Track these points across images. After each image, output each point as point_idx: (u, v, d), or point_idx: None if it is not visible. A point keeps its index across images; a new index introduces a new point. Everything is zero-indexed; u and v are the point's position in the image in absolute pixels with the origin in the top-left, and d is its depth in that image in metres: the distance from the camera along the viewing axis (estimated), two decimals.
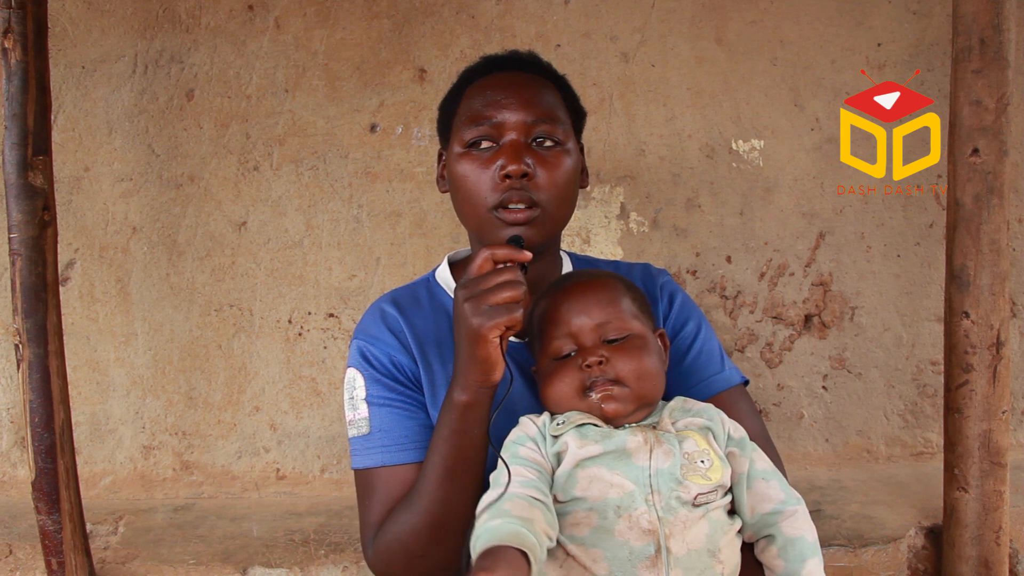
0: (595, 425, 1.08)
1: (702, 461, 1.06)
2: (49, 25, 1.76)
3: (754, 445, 1.13)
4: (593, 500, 1.02)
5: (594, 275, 1.19)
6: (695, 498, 1.02)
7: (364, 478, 1.20)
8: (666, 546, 0.99)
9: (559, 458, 1.07)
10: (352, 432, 1.22)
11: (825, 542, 1.91)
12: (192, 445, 2.30)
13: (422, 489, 1.12)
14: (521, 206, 1.17)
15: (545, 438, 1.09)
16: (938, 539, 1.97)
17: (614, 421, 1.09)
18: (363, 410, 1.21)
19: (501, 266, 1.06)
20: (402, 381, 1.22)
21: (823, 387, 2.41)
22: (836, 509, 2.09)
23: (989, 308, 1.81)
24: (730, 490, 1.09)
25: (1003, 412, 1.84)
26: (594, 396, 1.08)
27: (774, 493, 1.08)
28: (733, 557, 1.04)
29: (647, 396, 1.10)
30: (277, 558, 1.92)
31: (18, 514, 2.08)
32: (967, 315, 1.82)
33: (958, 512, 1.87)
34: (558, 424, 1.09)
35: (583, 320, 1.12)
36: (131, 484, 2.29)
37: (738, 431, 1.13)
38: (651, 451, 1.05)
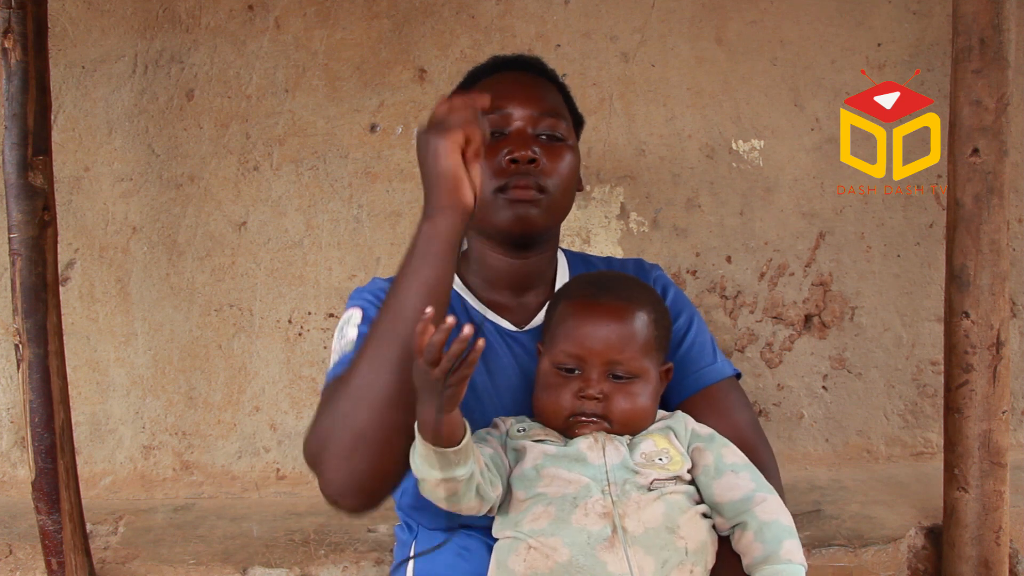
0: (552, 440, 1.10)
1: (660, 459, 1.08)
2: (49, 25, 1.76)
3: (725, 442, 1.13)
4: (552, 496, 1.04)
5: (630, 298, 1.15)
6: (651, 483, 1.05)
7: (328, 389, 1.11)
8: (621, 526, 1.01)
9: (517, 456, 1.09)
10: (334, 358, 1.16)
11: (825, 542, 1.92)
12: (192, 445, 2.30)
13: (367, 341, 1.04)
14: (529, 187, 1.18)
15: (508, 436, 1.12)
16: (938, 539, 1.97)
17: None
18: (352, 334, 1.17)
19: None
20: None
21: (823, 387, 2.41)
22: (836, 509, 2.08)
23: (989, 308, 1.81)
24: (692, 482, 1.10)
25: (1003, 412, 1.84)
26: (574, 425, 1.10)
27: (743, 483, 1.08)
28: (696, 534, 1.04)
29: (625, 432, 1.11)
30: (277, 558, 1.92)
31: (18, 514, 2.08)
32: (967, 315, 1.82)
33: (958, 512, 1.87)
34: (519, 431, 1.12)
35: (598, 347, 1.10)
36: (131, 484, 2.29)
37: (705, 430, 1.14)
38: (603, 449, 1.07)
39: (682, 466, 1.08)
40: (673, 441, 1.11)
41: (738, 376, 1.29)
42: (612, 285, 1.18)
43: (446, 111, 1.04)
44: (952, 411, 1.87)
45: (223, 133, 2.27)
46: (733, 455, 1.12)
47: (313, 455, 1.06)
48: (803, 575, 1.01)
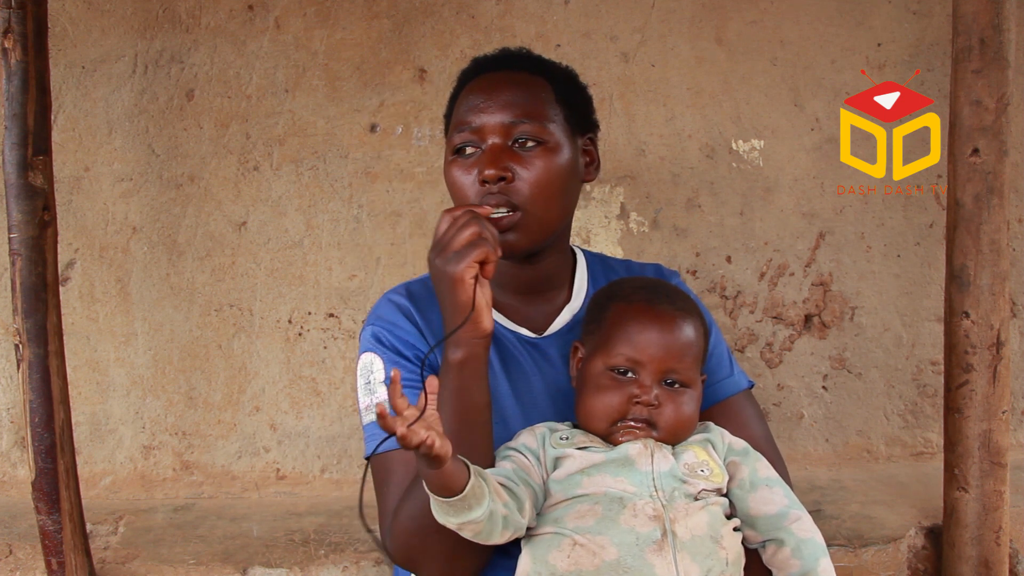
0: (596, 447, 1.10)
1: (702, 470, 1.08)
2: (49, 25, 1.76)
3: (758, 455, 1.14)
4: (597, 495, 1.04)
5: (686, 308, 1.16)
6: (698, 493, 1.06)
7: (382, 464, 1.14)
8: (671, 530, 1.01)
9: (556, 463, 1.08)
10: (368, 418, 1.17)
11: (825, 542, 1.92)
12: (192, 445, 2.30)
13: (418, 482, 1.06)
14: (502, 211, 1.15)
15: (544, 446, 1.10)
16: (938, 539, 1.97)
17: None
18: (382, 393, 1.16)
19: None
20: (417, 358, 1.19)
21: (823, 387, 2.41)
22: (836, 509, 2.09)
23: (989, 308, 1.81)
24: (726, 495, 1.10)
25: (1003, 412, 1.84)
26: (620, 430, 1.09)
27: (778, 498, 1.09)
28: (735, 546, 1.06)
29: (668, 441, 1.11)
30: (277, 558, 1.92)
31: (18, 514, 2.08)
32: (967, 315, 1.82)
33: (958, 512, 1.87)
34: (561, 438, 1.11)
35: (659, 353, 1.10)
36: (131, 484, 2.29)
37: (740, 444, 1.15)
38: (652, 456, 1.07)
39: (723, 479, 1.09)
40: (712, 454, 1.11)
41: (751, 387, 1.30)
42: (667, 292, 1.18)
43: (453, 232, 1.05)
44: (952, 411, 1.87)
45: (223, 133, 2.27)
46: (767, 469, 1.13)
47: (409, 558, 1.11)
48: None
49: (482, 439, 1.08)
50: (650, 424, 1.09)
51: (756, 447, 1.18)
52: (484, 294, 1.06)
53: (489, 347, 1.08)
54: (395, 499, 1.12)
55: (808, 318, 2.39)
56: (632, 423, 1.09)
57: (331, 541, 1.99)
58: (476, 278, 1.04)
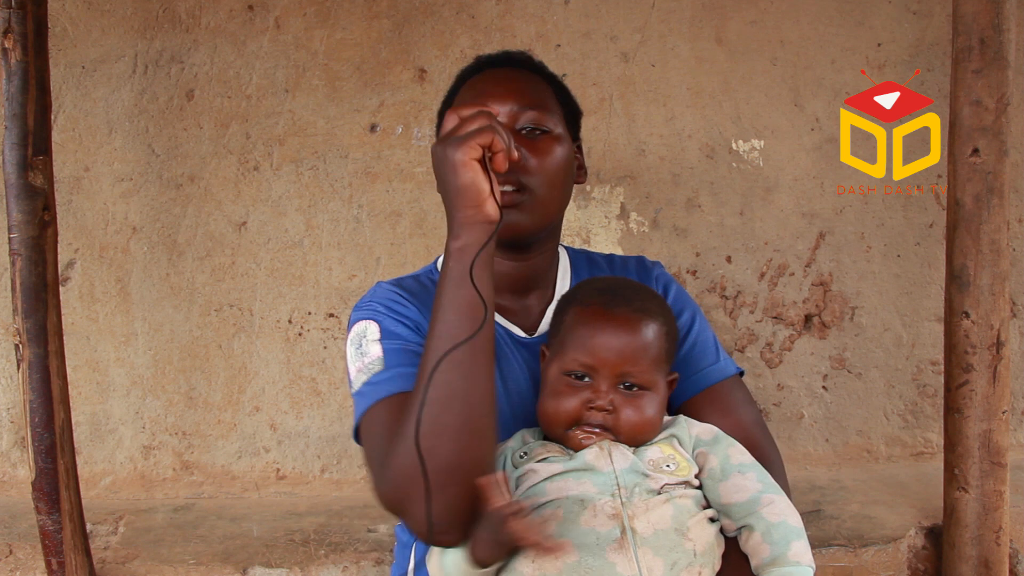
0: (555, 457, 1.09)
1: (667, 465, 1.07)
2: (49, 25, 1.76)
3: (732, 442, 1.12)
4: (559, 499, 1.04)
5: (644, 310, 1.13)
6: (661, 488, 1.04)
7: (375, 417, 1.08)
8: (631, 527, 1.00)
9: (519, 482, 1.08)
10: (361, 379, 1.11)
11: (825, 542, 1.92)
12: (192, 445, 2.30)
13: (422, 374, 1.00)
14: (508, 188, 1.14)
15: (506, 464, 1.11)
16: (938, 539, 1.97)
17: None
18: (375, 351, 1.12)
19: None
20: (417, 332, 1.16)
21: (823, 387, 2.41)
22: (836, 509, 2.08)
23: (989, 308, 1.81)
24: (699, 487, 1.09)
25: (1003, 412, 1.84)
26: (579, 435, 1.08)
27: (750, 484, 1.07)
28: (703, 537, 1.04)
29: (630, 443, 1.10)
30: (277, 558, 1.92)
31: (18, 514, 2.08)
32: (967, 315, 1.82)
33: (958, 512, 1.87)
34: (521, 456, 1.11)
35: (611, 358, 1.08)
36: (131, 484, 2.29)
37: (708, 433, 1.13)
38: (610, 455, 1.06)
39: (689, 471, 1.08)
40: (678, 448, 1.10)
41: (741, 374, 1.28)
42: (625, 294, 1.15)
43: (458, 121, 1.00)
44: (952, 411, 1.87)
45: (223, 133, 2.27)
46: (740, 455, 1.11)
47: (397, 499, 1.00)
48: None
49: (484, 341, 1.00)
50: (606, 429, 1.08)
51: (746, 433, 1.17)
52: (488, 178, 0.99)
53: (494, 236, 0.99)
54: (384, 444, 1.05)
55: (808, 318, 2.39)
56: (587, 427, 1.08)
57: (331, 541, 1.99)
58: (482, 162, 0.98)
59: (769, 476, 1.10)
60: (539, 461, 1.09)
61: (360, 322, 1.18)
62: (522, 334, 1.25)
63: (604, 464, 1.05)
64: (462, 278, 0.99)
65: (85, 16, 2.25)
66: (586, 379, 1.10)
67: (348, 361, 1.17)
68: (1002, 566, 1.87)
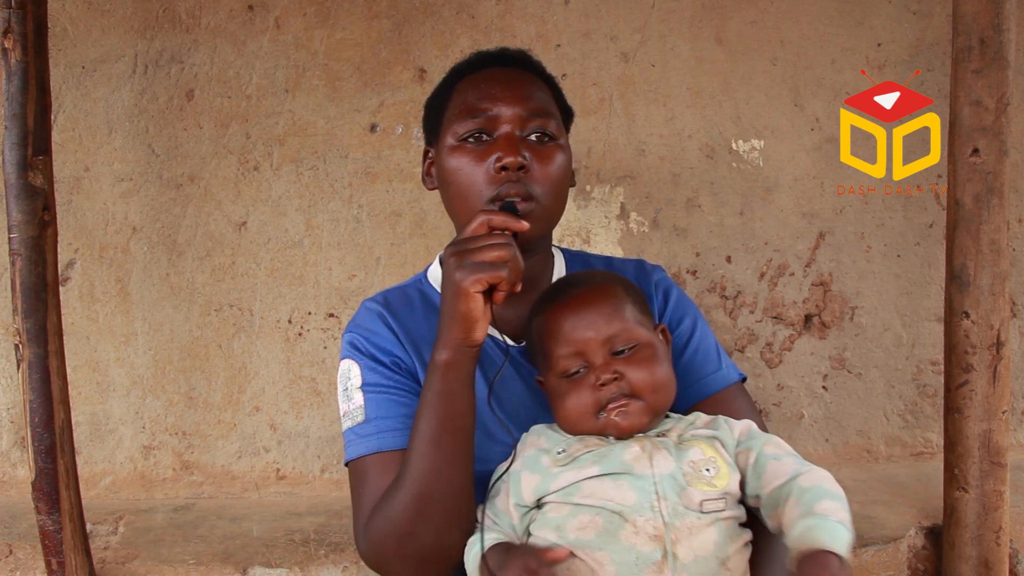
0: (590, 450, 1.07)
1: (707, 469, 1.04)
2: (49, 25, 1.76)
3: (768, 437, 1.10)
4: (599, 505, 1.01)
5: (591, 282, 1.15)
6: (700, 504, 1.01)
7: (358, 469, 1.16)
8: (672, 552, 0.98)
9: (554, 480, 1.07)
10: (347, 424, 1.18)
11: None
12: (192, 445, 2.30)
13: (409, 461, 1.08)
14: (516, 197, 1.15)
15: (545, 465, 1.09)
16: (938, 539, 1.97)
17: (625, 435, 1.07)
18: (358, 399, 1.18)
19: (495, 232, 1.04)
20: (397, 370, 1.19)
21: (823, 387, 2.41)
22: None
23: (989, 308, 1.81)
24: (741, 501, 1.06)
25: (1003, 412, 1.84)
26: (611, 415, 1.07)
27: (787, 468, 1.04)
28: (741, 564, 1.02)
29: (661, 406, 1.09)
30: (277, 558, 1.92)
31: (18, 514, 2.08)
32: (967, 315, 1.82)
33: (958, 512, 1.87)
34: (559, 452, 1.08)
35: (589, 335, 1.08)
36: (131, 484, 2.29)
37: (746, 431, 1.11)
38: (651, 458, 1.04)
39: (730, 480, 1.04)
40: (720, 451, 1.07)
41: (743, 380, 1.28)
42: (572, 280, 1.18)
43: (481, 240, 1.02)
44: (952, 411, 1.87)
45: (223, 133, 2.27)
46: (774, 446, 1.08)
47: (377, 565, 1.12)
48: (845, 536, 0.91)
49: (461, 446, 1.07)
50: (629, 396, 1.07)
51: None
52: (485, 309, 1.03)
53: (477, 356, 1.06)
54: (371, 502, 1.12)
55: (808, 318, 2.39)
56: (612, 405, 1.07)
57: (331, 541, 1.99)
58: (484, 295, 1.01)
59: (806, 462, 1.06)
60: (577, 457, 1.06)
61: (345, 360, 1.22)
62: (512, 343, 1.24)
63: (644, 467, 1.03)
64: (444, 394, 1.06)
65: (85, 16, 2.25)
66: (581, 370, 1.09)
67: (338, 394, 1.23)
68: (1002, 566, 1.87)
